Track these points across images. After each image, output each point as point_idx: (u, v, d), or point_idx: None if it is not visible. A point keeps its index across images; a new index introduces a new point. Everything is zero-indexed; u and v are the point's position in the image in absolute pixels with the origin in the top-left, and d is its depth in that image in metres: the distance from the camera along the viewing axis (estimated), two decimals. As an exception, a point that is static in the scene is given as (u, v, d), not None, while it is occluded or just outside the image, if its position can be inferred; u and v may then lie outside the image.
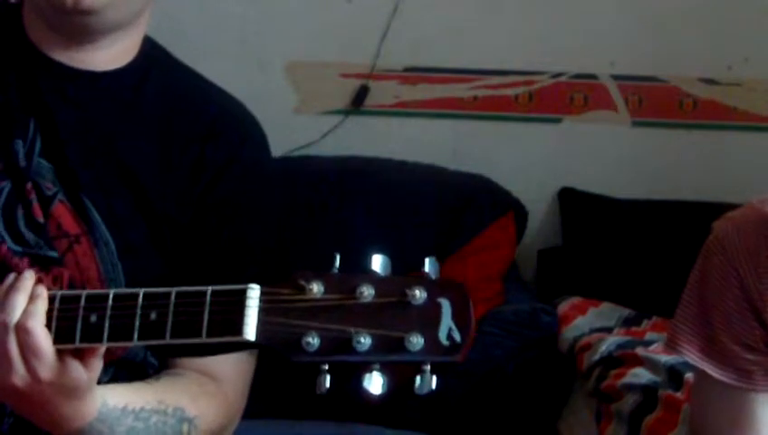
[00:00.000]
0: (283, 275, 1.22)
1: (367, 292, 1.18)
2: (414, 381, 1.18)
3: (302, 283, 1.19)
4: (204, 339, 1.22)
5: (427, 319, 1.17)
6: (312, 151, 3.46)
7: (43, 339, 1.28)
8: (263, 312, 1.20)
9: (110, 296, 1.28)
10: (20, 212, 1.52)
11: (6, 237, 1.51)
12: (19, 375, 1.29)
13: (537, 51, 3.49)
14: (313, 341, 1.17)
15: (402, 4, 3.45)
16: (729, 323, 1.56)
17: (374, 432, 2.31)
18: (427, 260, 1.19)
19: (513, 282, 3.26)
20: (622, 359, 2.77)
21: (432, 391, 1.17)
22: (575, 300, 3.14)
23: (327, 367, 1.19)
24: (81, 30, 1.55)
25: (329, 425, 2.39)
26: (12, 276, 1.33)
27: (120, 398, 1.41)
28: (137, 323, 1.25)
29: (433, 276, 1.19)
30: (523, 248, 3.38)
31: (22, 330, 1.28)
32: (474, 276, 3.09)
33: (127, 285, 1.52)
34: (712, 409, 1.61)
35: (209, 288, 1.23)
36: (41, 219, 1.52)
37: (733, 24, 3.44)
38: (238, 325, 1.20)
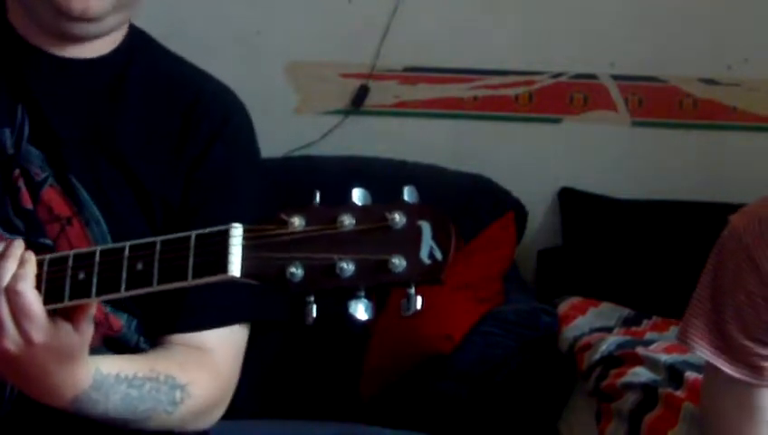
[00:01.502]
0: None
1: (348, 220, 1.19)
2: (400, 304, 1.18)
3: (284, 217, 1.20)
4: (190, 281, 1.23)
5: (408, 241, 1.18)
6: (312, 151, 3.46)
7: (34, 300, 1.29)
8: (246, 248, 1.21)
9: (97, 253, 1.29)
10: (8, 200, 1.53)
11: None
12: (11, 339, 1.30)
13: (537, 51, 3.50)
14: (297, 271, 1.19)
15: (402, 4, 3.46)
16: (741, 318, 1.56)
17: (374, 432, 2.31)
18: (405, 188, 1.20)
19: (513, 282, 3.26)
20: (622, 358, 2.77)
21: (417, 310, 1.17)
22: (575, 300, 3.14)
23: (313, 298, 1.20)
24: (79, 35, 1.57)
25: (329, 425, 2.39)
26: (1, 245, 1.34)
27: (112, 366, 1.42)
28: (124, 275, 1.26)
29: (412, 202, 1.20)
30: (523, 248, 3.39)
31: (12, 292, 1.29)
32: (474, 276, 3.09)
33: None
34: (723, 404, 1.61)
35: (193, 233, 1.24)
36: (29, 206, 1.53)
37: (733, 24, 3.45)
38: (223, 264, 1.21)
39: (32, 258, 1.32)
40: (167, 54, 1.69)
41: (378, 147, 3.42)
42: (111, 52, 1.62)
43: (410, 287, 1.18)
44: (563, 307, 3.09)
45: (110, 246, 1.30)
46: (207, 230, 1.24)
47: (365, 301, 1.19)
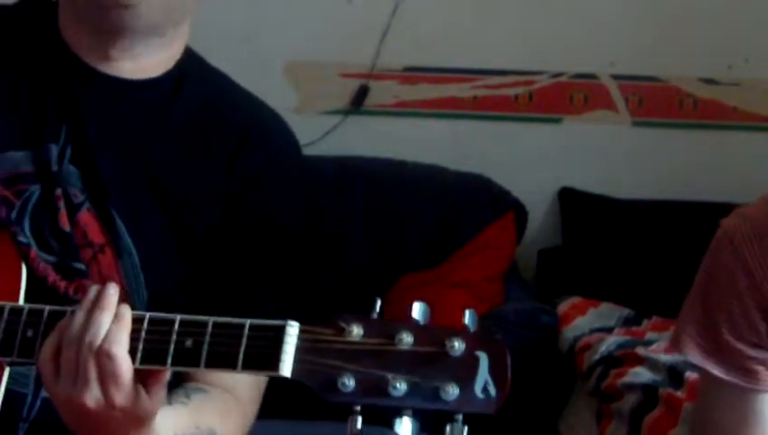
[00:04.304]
0: (317, 312, 1.22)
1: (406, 339, 1.18)
2: (444, 428, 1.18)
3: (342, 325, 1.19)
4: (239, 371, 1.22)
5: (464, 371, 1.17)
6: (312, 151, 3.45)
7: (126, 367, 1.26)
8: (300, 350, 1.20)
9: (146, 320, 1.27)
10: (47, 219, 1.51)
11: (33, 244, 1.50)
12: (94, 397, 1.27)
13: (537, 51, 3.50)
14: (349, 382, 1.18)
15: (402, 4, 3.46)
16: (733, 321, 1.54)
17: (374, 432, 2.30)
18: (467, 312, 1.20)
19: (513, 282, 3.26)
20: (622, 358, 2.77)
21: None
22: (575, 300, 3.14)
23: (359, 408, 1.20)
24: (117, 27, 1.52)
25: (329, 425, 2.38)
26: (94, 289, 1.30)
27: (169, 427, 1.40)
28: (171, 349, 1.25)
29: (472, 329, 1.19)
30: (523, 248, 3.39)
31: (105, 355, 1.25)
32: (474, 276, 3.09)
33: (149, 297, 1.52)
34: (717, 408, 1.60)
35: (248, 321, 1.23)
36: (67, 228, 1.50)
37: (733, 24, 3.45)
38: (275, 361, 1.20)
39: (128, 314, 1.27)
40: (220, 80, 1.65)
41: (378, 147, 3.42)
42: (163, 74, 1.58)
43: (458, 415, 1.18)
44: (563, 307, 3.09)
45: (160, 315, 1.28)
46: (263, 322, 1.22)
47: (412, 420, 1.18)
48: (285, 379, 1.21)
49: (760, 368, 1.55)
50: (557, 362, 2.96)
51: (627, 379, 2.68)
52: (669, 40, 3.45)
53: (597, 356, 2.81)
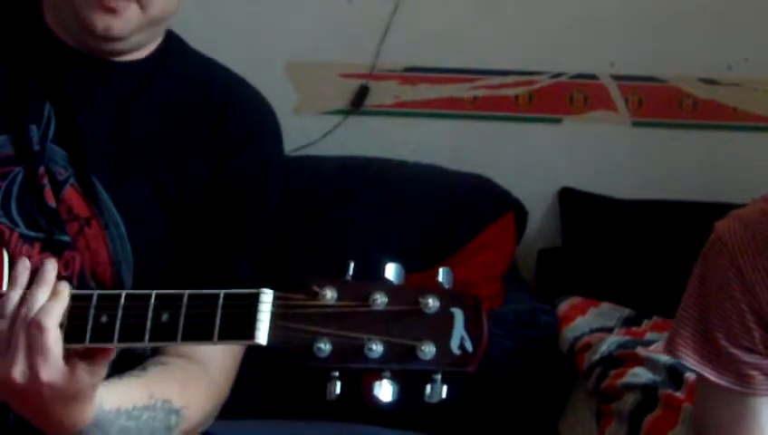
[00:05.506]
0: (284, 273, 1.22)
1: (380, 299, 1.17)
2: (424, 389, 1.17)
3: (316, 289, 1.19)
4: (215, 342, 1.22)
5: (439, 328, 1.16)
6: (312, 151, 3.46)
7: (54, 340, 1.27)
8: (275, 316, 1.20)
9: (122, 296, 1.27)
10: (33, 198, 1.52)
11: (20, 223, 1.52)
12: (20, 371, 1.28)
13: (537, 51, 3.49)
14: (325, 347, 1.17)
15: (402, 4, 3.45)
16: (728, 326, 1.54)
17: (374, 432, 2.31)
18: (440, 270, 1.19)
19: (513, 282, 3.26)
20: (622, 359, 2.77)
21: (442, 399, 1.16)
22: (575, 300, 3.14)
23: (338, 373, 1.19)
24: (106, 50, 1.57)
25: (329, 425, 2.39)
26: (24, 262, 1.32)
27: (113, 400, 1.40)
28: (148, 325, 1.25)
29: (446, 286, 1.18)
30: (523, 248, 3.38)
31: (35, 326, 1.26)
32: (474, 276, 3.09)
33: (135, 268, 1.53)
34: (714, 412, 1.59)
35: (222, 292, 1.23)
36: (53, 204, 1.53)
37: (733, 24, 3.45)
38: (250, 329, 1.20)
39: (65, 291, 1.29)
40: (201, 60, 1.68)
41: (378, 147, 3.42)
42: (146, 56, 1.61)
43: (437, 374, 1.17)
44: (563, 307, 3.09)
45: (136, 291, 1.29)
46: (237, 291, 1.23)
47: (391, 383, 1.18)
48: (262, 347, 1.20)
49: (755, 373, 1.54)
50: (557, 362, 2.95)
51: (626, 379, 2.67)
52: (669, 40, 3.45)
53: (597, 356, 2.81)
